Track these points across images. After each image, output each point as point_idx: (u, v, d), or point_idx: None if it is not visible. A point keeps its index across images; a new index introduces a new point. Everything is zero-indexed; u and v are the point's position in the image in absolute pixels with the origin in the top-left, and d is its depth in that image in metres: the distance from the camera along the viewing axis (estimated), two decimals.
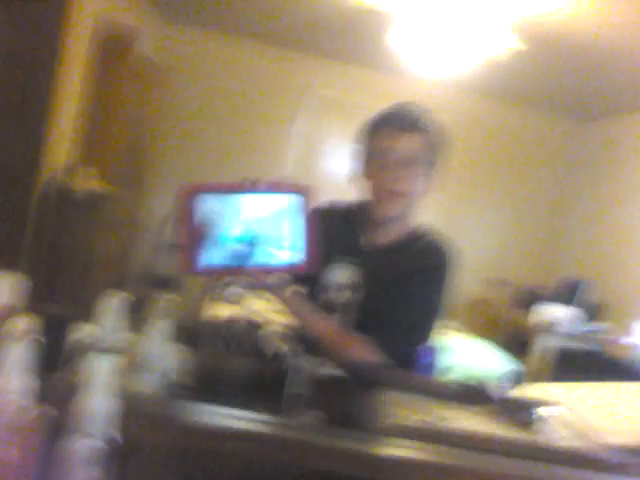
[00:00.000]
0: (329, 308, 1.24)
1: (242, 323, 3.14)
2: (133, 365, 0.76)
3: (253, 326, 2.96)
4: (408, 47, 3.10)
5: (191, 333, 3.09)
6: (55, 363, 0.71)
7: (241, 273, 0.98)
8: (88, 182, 3.63)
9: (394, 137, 1.26)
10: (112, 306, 0.74)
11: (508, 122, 5.36)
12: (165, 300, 0.78)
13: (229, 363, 1.50)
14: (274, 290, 1.12)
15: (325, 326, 1.20)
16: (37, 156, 3.03)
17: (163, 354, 0.76)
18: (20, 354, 0.51)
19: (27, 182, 3.03)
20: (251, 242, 0.96)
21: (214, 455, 0.63)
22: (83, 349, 0.72)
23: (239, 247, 0.96)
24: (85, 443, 0.51)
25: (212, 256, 0.95)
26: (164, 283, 4.67)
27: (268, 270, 1.00)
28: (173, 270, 4.83)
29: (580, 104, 4.92)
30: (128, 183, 4.40)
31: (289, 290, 1.16)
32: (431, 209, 4.88)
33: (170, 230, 4.78)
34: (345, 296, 1.25)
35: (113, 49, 3.91)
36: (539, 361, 3.92)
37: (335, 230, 1.29)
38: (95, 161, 3.84)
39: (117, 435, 0.54)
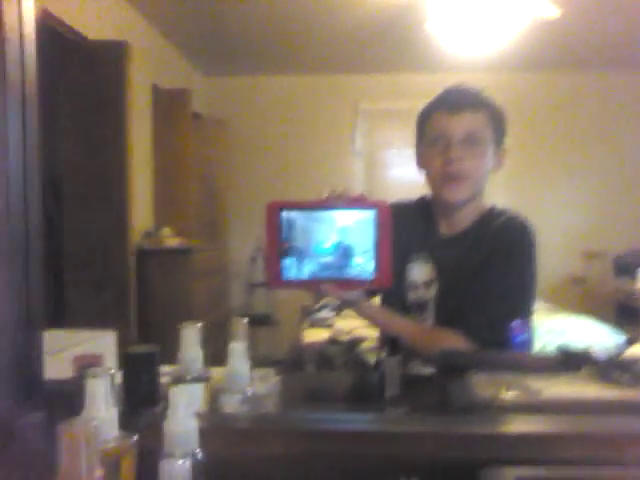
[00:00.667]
0: (418, 306, 1.24)
1: (340, 343, 3.19)
2: (218, 389, 0.82)
3: (351, 344, 2.99)
4: (447, 29, 3.06)
5: (296, 358, 3.16)
6: (151, 399, 0.77)
7: (321, 287, 1.02)
8: (174, 238, 3.85)
9: (449, 118, 1.20)
10: (188, 337, 0.80)
11: (569, 89, 5.15)
12: (240, 324, 0.83)
13: (333, 378, 1.53)
14: (352, 304, 1.13)
15: (411, 328, 1.19)
16: (124, 222, 3.25)
17: (242, 374, 0.80)
18: (101, 388, 0.57)
19: (121, 246, 3.25)
20: (332, 256, 1.00)
21: (307, 459, 0.66)
22: (171, 382, 0.79)
23: (321, 261, 1.00)
24: (174, 463, 0.56)
25: (296, 270, 1.00)
26: (261, 320, 4.84)
27: (346, 284, 1.02)
28: (268, 307, 5.01)
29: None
30: (207, 234, 4.62)
31: (367, 303, 1.16)
32: (518, 190, 4.84)
33: (254, 269, 4.95)
34: (430, 291, 1.24)
35: (171, 111, 4.16)
36: None
37: (410, 226, 1.26)
38: (176, 218, 4.07)
39: (201, 453, 0.58)
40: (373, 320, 1.17)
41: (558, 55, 4.67)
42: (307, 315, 3.73)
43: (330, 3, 3.62)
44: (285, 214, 0.99)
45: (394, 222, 1.01)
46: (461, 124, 1.20)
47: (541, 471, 0.60)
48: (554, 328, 2.96)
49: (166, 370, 0.87)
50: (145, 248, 3.67)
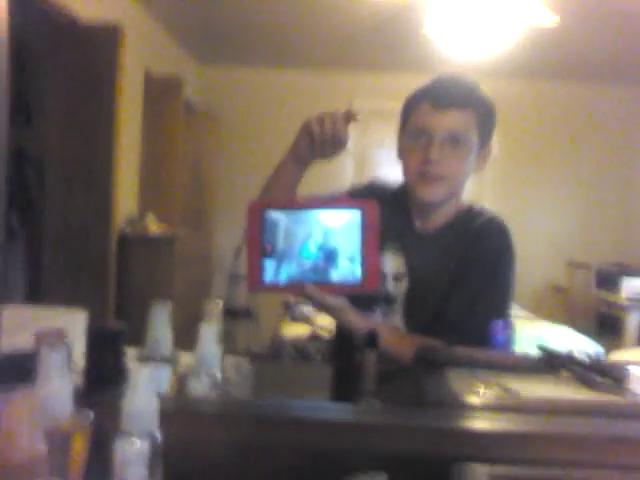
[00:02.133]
0: (386, 299, 1.21)
1: (320, 339, 3.16)
2: (187, 371, 0.78)
3: (330, 341, 2.96)
4: (444, 34, 3.05)
5: (275, 353, 3.13)
6: (115, 378, 0.73)
7: (304, 291, 0.97)
8: (157, 226, 3.80)
9: (434, 113, 1.12)
10: (157, 316, 0.77)
11: (560, 99, 5.18)
12: (214, 306, 0.80)
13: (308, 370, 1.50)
14: (334, 310, 1.07)
15: (396, 337, 1.16)
16: (108, 207, 3.20)
17: (213, 357, 0.77)
18: (56, 359, 0.54)
19: (103, 231, 3.20)
20: (316, 259, 0.96)
21: (273, 446, 0.63)
22: (137, 360, 0.75)
23: (305, 263, 0.96)
24: (129, 443, 0.53)
25: (278, 272, 0.96)
26: (241, 313, 4.79)
27: (329, 289, 0.98)
28: (249, 299, 4.96)
29: (633, 67, 4.68)
30: (193, 224, 4.57)
31: (350, 310, 1.10)
32: (504, 196, 4.84)
33: (240, 262, 4.90)
34: (400, 286, 1.21)
35: (163, 96, 4.11)
36: (632, 338, 3.69)
37: (387, 214, 1.22)
38: (161, 206, 4.02)
39: (159, 434, 0.55)
40: (356, 328, 1.08)
41: (551, 64, 4.69)
42: (288, 309, 3.70)
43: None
44: (268, 214, 0.95)
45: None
46: (446, 122, 1.12)
47: (514, 470, 0.58)
48: (534, 335, 2.96)
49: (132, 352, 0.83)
50: (127, 234, 3.62)
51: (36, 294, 3.06)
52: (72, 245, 3.19)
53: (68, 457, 0.52)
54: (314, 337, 3.22)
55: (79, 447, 0.54)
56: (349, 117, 1.05)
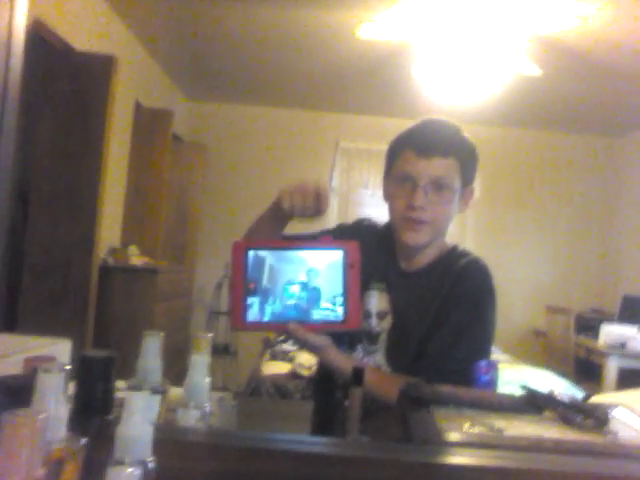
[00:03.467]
0: (369, 336, 1.22)
1: (300, 377, 3.13)
2: (173, 406, 0.78)
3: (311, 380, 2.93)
4: (431, 79, 3.15)
5: (254, 390, 3.07)
6: (105, 406, 0.73)
7: (287, 329, 0.98)
8: (139, 258, 3.78)
9: (417, 160, 1.16)
10: (150, 346, 0.77)
11: (543, 146, 5.33)
12: (204, 338, 0.81)
13: (291, 407, 1.49)
14: (318, 349, 1.07)
15: (377, 376, 1.16)
16: (91, 237, 3.18)
17: (202, 389, 0.77)
18: (54, 385, 0.54)
19: (85, 261, 3.17)
20: (299, 298, 0.97)
21: (256, 477, 0.63)
22: (127, 390, 0.75)
23: (288, 302, 0.97)
24: (123, 470, 0.53)
25: (261, 311, 0.97)
26: (221, 350, 4.74)
27: (312, 327, 0.99)
28: (228, 336, 4.91)
29: (612, 119, 4.86)
30: (175, 257, 4.55)
31: (333, 349, 1.10)
32: (484, 240, 4.91)
33: (220, 297, 4.87)
34: (383, 323, 1.23)
35: (151, 130, 4.15)
36: (611, 383, 3.72)
37: (373, 253, 1.23)
38: (144, 237, 4.01)
39: (153, 462, 0.56)
40: (340, 368, 1.09)
41: (533, 113, 4.85)
42: (268, 347, 3.68)
43: (320, 40, 3.70)
44: (254, 253, 0.97)
45: (359, 242, 0.99)
46: (429, 169, 1.15)
47: None
48: (514, 379, 2.97)
49: (121, 385, 0.83)
50: (109, 264, 3.59)
51: (12, 321, 3.00)
52: (53, 273, 3.15)
53: (65, 476, 0.52)
54: (293, 375, 3.19)
55: (71, 473, 0.54)
56: (318, 193, 1.07)
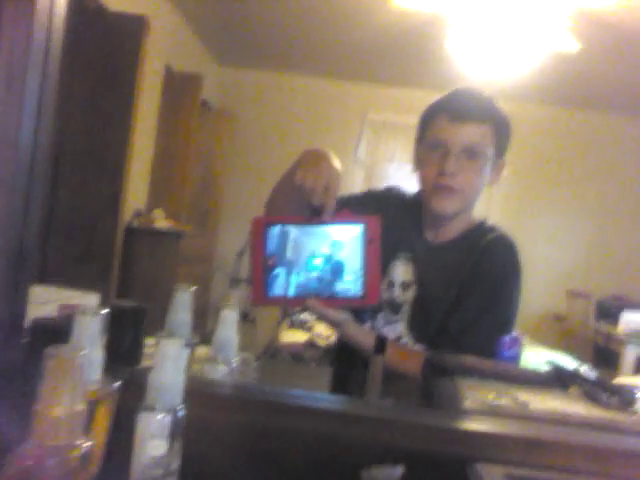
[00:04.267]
0: (392, 306, 1.22)
1: (318, 347, 3.15)
2: (201, 357, 0.79)
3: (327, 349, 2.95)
4: (467, 45, 3.07)
5: (270, 358, 3.12)
6: (135, 356, 0.74)
7: (306, 305, 0.99)
8: (164, 221, 3.82)
9: (450, 126, 1.14)
10: (181, 301, 0.78)
11: (576, 125, 5.21)
12: (232, 294, 0.81)
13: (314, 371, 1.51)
14: (337, 324, 1.08)
15: (399, 352, 1.16)
16: (118, 198, 3.21)
17: (231, 344, 0.78)
18: (91, 328, 0.55)
19: (111, 222, 3.21)
20: (322, 271, 0.97)
21: (282, 432, 0.64)
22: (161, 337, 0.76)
23: (310, 275, 0.97)
24: (153, 416, 0.54)
25: (281, 287, 0.97)
26: (241, 315, 4.79)
27: (331, 302, 0.99)
28: (248, 303, 4.94)
29: None
30: (199, 222, 4.58)
31: (353, 324, 1.11)
32: (508, 217, 4.85)
33: (242, 265, 4.91)
34: (407, 294, 1.22)
35: (181, 91, 4.14)
36: (628, 372, 3.69)
37: (399, 223, 1.22)
38: (169, 201, 4.04)
39: (184, 410, 0.56)
40: (359, 343, 1.10)
41: (569, 92, 4.73)
42: (287, 315, 3.71)
43: (354, 6, 3.64)
44: (274, 228, 0.96)
45: (385, 211, 0.98)
46: (462, 135, 1.14)
47: (530, 472, 0.59)
48: (531, 361, 2.95)
49: (149, 342, 0.84)
50: (134, 226, 3.64)
51: (39, 277, 3.06)
52: (79, 233, 3.20)
53: (93, 422, 0.53)
54: (310, 344, 3.22)
55: (105, 414, 0.55)
56: (327, 187, 1.02)
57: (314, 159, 1.01)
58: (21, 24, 0.67)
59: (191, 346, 0.78)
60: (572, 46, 3.08)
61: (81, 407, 0.44)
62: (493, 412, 0.79)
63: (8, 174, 0.69)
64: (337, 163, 1.04)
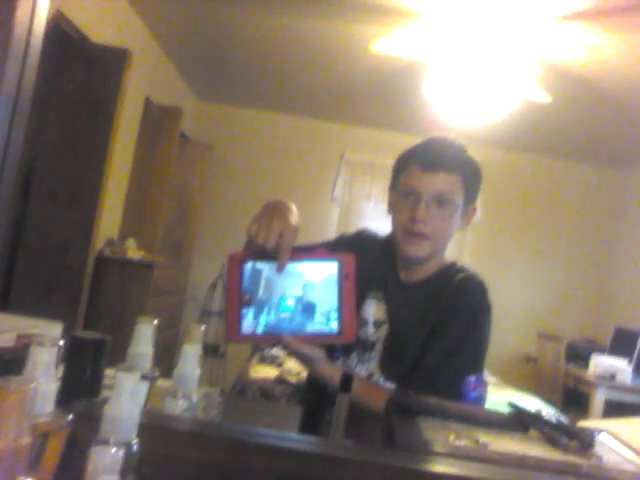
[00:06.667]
0: (364, 344, 1.22)
1: (287, 383, 3.11)
2: (162, 391, 0.78)
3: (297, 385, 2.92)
4: (444, 90, 3.16)
5: (239, 393, 3.06)
6: (93, 389, 0.73)
7: (280, 342, 0.99)
8: (136, 251, 3.78)
9: (422, 175, 1.19)
10: (142, 333, 0.77)
11: (545, 173, 5.35)
12: (197, 329, 0.81)
13: (277, 409, 1.49)
14: (311, 361, 1.08)
15: (371, 390, 1.16)
16: (90, 226, 3.18)
17: (192, 379, 0.77)
18: (46, 359, 0.54)
19: (81, 250, 3.17)
20: (290, 313, 0.97)
21: (241, 471, 0.63)
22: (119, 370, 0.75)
23: (283, 315, 0.97)
24: (106, 450, 0.53)
25: (256, 323, 0.96)
26: (210, 350, 4.72)
27: (307, 340, 0.99)
28: (219, 337, 4.90)
29: (617, 151, 4.89)
30: (172, 253, 4.55)
31: (326, 362, 1.11)
32: (476, 263, 4.91)
33: (214, 298, 4.86)
34: (379, 332, 1.23)
35: (159, 126, 4.16)
36: (597, 414, 3.71)
37: (373, 262, 1.26)
38: (143, 231, 4.01)
39: (137, 445, 0.55)
40: (329, 381, 1.09)
41: (539, 140, 4.88)
42: (258, 350, 3.67)
43: (334, 51, 3.73)
44: (250, 264, 0.96)
45: (358, 252, 1.00)
46: (432, 184, 1.18)
47: None
48: (502, 402, 2.96)
49: (109, 373, 0.83)
50: (105, 256, 3.59)
51: (4, 304, 2.99)
52: (49, 259, 3.15)
53: (43, 456, 0.52)
54: (280, 380, 3.18)
55: (55, 447, 0.54)
56: (282, 235, 1.02)
57: (269, 213, 1.03)
58: None
59: (151, 379, 0.77)
60: (542, 97, 3.19)
61: (27, 440, 0.43)
62: (454, 453, 0.79)
63: None
64: (295, 217, 1.06)
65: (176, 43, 4.12)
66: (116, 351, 0.82)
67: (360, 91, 4.35)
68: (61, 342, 0.57)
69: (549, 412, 0.96)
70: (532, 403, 3.23)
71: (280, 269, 0.95)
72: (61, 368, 0.76)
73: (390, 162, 1.32)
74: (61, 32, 3.02)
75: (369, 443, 1.02)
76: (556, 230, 5.33)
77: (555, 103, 3.48)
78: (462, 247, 5.03)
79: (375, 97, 4.42)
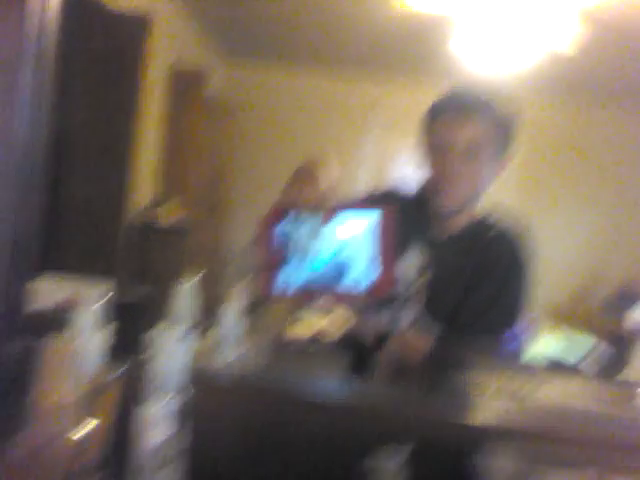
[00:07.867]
0: (404, 298, 1.23)
1: (323, 342, 3.17)
2: (207, 346, 0.80)
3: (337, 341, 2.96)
4: (472, 46, 3.07)
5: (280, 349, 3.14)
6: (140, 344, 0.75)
7: (316, 297, 0.98)
8: (171, 214, 3.83)
9: (451, 126, 1.17)
10: (184, 290, 0.79)
11: (585, 119, 5.18)
12: (240, 288, 0.82)
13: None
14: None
15: (405, 335, 1.17)
16: (123, 192, 3.22)
17: (237, 331, 0.79)
18: (91, 318, 0.55)
19: (115, 217, 3.22)
20: (329, 265, 0.95)
21: (288, 421, 0.64)
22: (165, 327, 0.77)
23: (317, 270, 0.95)
24: (155, 404, 0.54)
25: (290, 279, 0.95)
26: (250, 307, 4.80)
27: (343, 294, 0.96)
28: (257, 294, 4.95)
29: None
30: (208, 213, 4.59)
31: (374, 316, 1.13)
32: (525, 211, 4.81)
33: (253, 255, 4.91)
34: (423, 281, 1.23)
35: (186, 89, 4.15)
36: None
37: (406, 218, 1.25)
38: (176, 194, 4.05)
39: (186, 398, 0.57)
40: (366, 333, 1.12)
41: (580, 87, 4.70)
42: (294, 309, 3.71)
43: (360, 5, 3.63)
44: (283, 223, 0.95)
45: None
46: (463, 134, 1.17)
47: (530, 463, 0.59)
48: (542, 350, 2.94)
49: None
50: (140, 221, 3.65)
51: (51, 268, 3.08)
52: (86, 227, 3.21)
53: (97, 409, 0.54)
54: (315, 339, 3.22)
55: (108, 401, 0.56)
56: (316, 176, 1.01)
57: (305, 172, 1.02)
58: (11, 18, 0.68)
59: (195, 335, 0.79)
60: (573, 46, 3.06)
61: (79, 394, 0.44)
62: (492, 406, 0.79)
63: (2, 169, 0.70)
64: (331, 173, 1.05)
65: (199, 2, 4.06)
66: (158, 310, 0.84)
67: (387, 45, 4.24)
68: (104, 301, 0.58)
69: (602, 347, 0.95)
70: (585, 342, 3.16)
71: (320, 223, 0.94)
72: (110, 327, 0.78)
73: (418, 119, 1.30)
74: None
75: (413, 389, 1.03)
76: (598, 177, 5.19)
77: (590, 51, 3.33)
78: (505, 190, 4.94)
79: (402, 51, 4.30)
